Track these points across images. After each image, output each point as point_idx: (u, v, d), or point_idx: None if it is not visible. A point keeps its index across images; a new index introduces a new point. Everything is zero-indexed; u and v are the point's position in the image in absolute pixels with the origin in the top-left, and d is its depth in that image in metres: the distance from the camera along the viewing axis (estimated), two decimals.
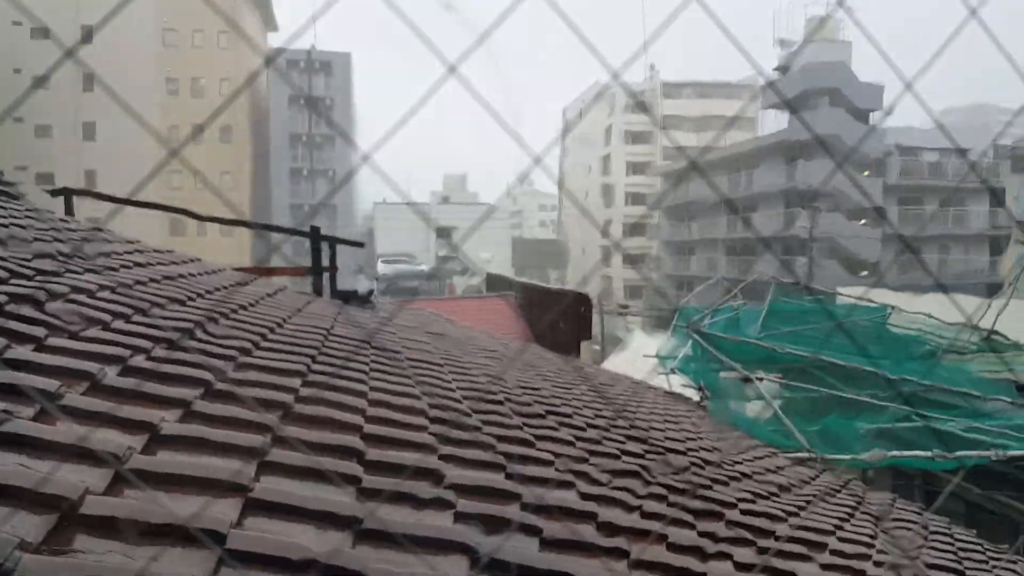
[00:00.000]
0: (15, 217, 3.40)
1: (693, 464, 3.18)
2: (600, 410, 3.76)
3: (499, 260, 45.02)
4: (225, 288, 3.88)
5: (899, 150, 34.28)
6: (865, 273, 31.99)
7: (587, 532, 1.79)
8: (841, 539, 2.74)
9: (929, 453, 5.81)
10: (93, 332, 2.10)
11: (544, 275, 46.46)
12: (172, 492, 1.28)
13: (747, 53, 0.98)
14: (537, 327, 13.03)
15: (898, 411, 7.03)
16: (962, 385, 7.52)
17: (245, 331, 2.82)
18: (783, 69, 35.40)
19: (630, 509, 2.13)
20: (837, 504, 3.52)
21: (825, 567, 2.32)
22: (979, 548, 3.57)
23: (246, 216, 35.16)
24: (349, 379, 2.53)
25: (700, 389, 7.83)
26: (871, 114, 34.29)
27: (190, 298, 3.17)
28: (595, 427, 3.16)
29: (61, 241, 3.26)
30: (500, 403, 2.99)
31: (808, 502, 3.30)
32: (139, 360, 1.97)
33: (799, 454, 5.24)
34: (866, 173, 33.80)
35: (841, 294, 12.90)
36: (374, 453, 1.80)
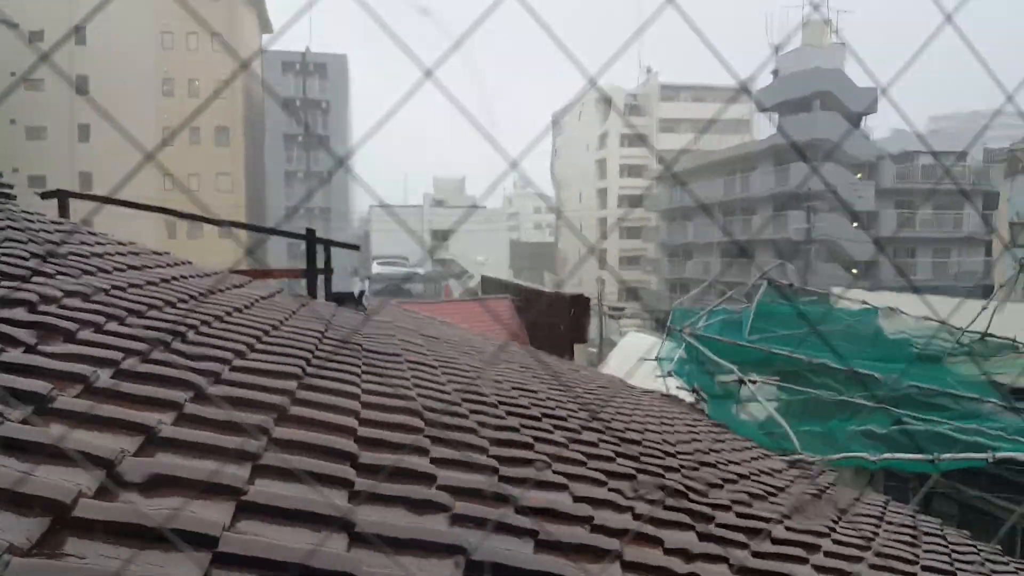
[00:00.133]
0: (11, 220, 3.39)
1: (684, 467, 3.19)
2: (595, 413, 3.77)
3: (494, 263, 45.04)
4: (220, 291, 3.87)
5: (891, 155, 34.48)
6: (855, 272, 32.16)
7: (581, 534, 1.79)
8: (836, 541, 2.75)
9: (920, 457, 5.83)
10: (86, 335, 2.10)
11: (540, 278, 46.50)
12: (165, 495, 1.28)
13: (721, 57, 0.98)
14: (532, 330, 13.04)
15: (889, 413, 7.06)
16: (954, 387, 7.55)
17: (239, 334, 2.81)
18: (774, 73, 35.58)
19: (622, 510, 2.13)
20: (834, 506, 3.53)
21: (818, 569, 2.33)
22: (973, 549, 3.59)
23: (240, 219, 35.09)
24: (343, 381, 2.53)
25: (694, 391, 7.85)
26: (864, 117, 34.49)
27: (182, 300, 3.16)
28: (590, 429, 3.16)
29: (55, 243, 3.25)
30: (495, 405, 3.00)
31: (805, 504, 3.31)
32: (132, 363, 1.96)
33: (793, 456, 5.25)
34: (859, 176, 33.97)
35: (837, 296, 12.93)
36: (367, 456, 1.80)
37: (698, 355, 8.75)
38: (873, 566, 2.61)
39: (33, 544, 1.03)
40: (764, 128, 44.07)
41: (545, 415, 3.15)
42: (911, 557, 2.94)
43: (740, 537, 2.31)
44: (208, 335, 2.63)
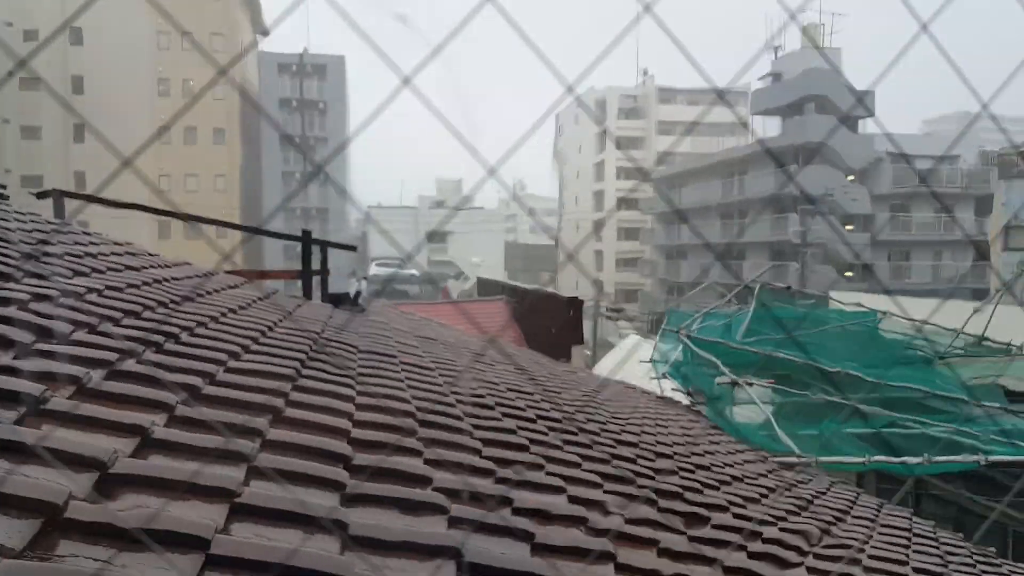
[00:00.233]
0: (4, 219, 3.38)
1: (682, 469, 3.19)
2: (592, 414, 3.77)
3: (490, 264, 45.09)
4: (216, 292, 3.86)
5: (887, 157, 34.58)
6: (850, 274, 32.29)
7: (576, 537, 1.79)
8: (828, 544, 2.75)
9: (914, 459, 5.84)
10: (80, 335, 2.09)
11: (536, 279, 46.58)
12: (158, 497, 1.28)
13: (696, 63, 0.99)
14: (529, 331, 13.05)
15: (884, 416, 7.07)
16: (948, 390, 7.57)
17: (233, 335, 2.80)
18: (774, 75, 35.71)
19: (616, 513, 2.13)
20: (826, 507, 3.54)
21: (811, 571, 2.33)
22: (965, 551, 3.60)
23: (235, 219, 35.00)
24: (337, 383, 2.52)
25: (690, 394, 7.85)
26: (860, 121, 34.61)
27: (176, 301, 3.16)
28: (586, 431, 3.16)
29: (51, 244, 3.24)
30: (491, 407, 3.00)
31: (802, 506, 3.32)
32: (126, 364, 1.96)
33: (789, 458, 5.26)
34: (850, 178, 34.10)
35: (834, 299, 12.95)
36: (361, 457, 1.80)
37: (693, 357, 8.75)
38: (866, 568, 2.61)
39: (24, 545, 1.02)
40: (767, 130, 44.14)
41: (540, 417, 3.16)
42: (902, 558, 2.94)
43: (734, 538, 2.31)
44: (202, 336, 2.62)
